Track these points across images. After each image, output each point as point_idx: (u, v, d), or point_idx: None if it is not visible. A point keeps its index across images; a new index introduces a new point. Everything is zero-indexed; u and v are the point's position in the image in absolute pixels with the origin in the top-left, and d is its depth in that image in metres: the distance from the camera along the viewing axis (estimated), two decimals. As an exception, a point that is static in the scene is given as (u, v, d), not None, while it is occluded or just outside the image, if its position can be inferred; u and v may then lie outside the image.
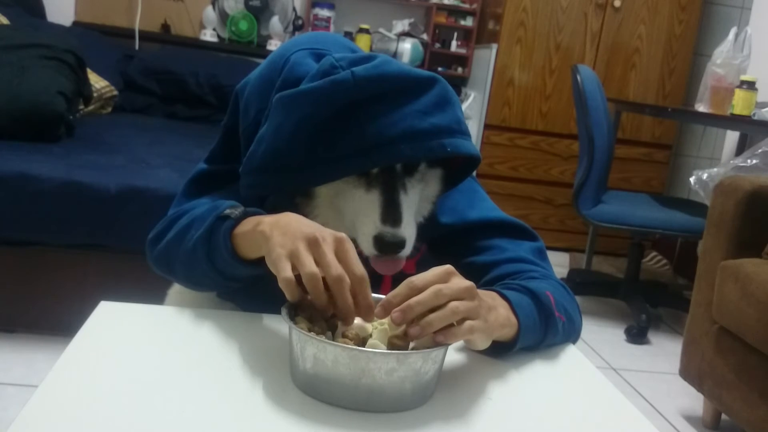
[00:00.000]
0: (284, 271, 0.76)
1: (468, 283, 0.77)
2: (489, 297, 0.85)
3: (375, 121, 0.86)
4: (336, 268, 0.75)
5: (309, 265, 0.75)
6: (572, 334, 0.98)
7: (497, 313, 0.84)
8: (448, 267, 0.78)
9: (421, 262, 1.01)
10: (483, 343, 0.82)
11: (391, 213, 0.87)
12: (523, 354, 0.90)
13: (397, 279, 0.97)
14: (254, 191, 0.96)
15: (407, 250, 0.89)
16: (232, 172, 1.02)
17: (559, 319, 0.93)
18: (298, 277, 0.77)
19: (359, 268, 0.77)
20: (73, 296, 2.09)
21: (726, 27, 3.45)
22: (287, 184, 0.92)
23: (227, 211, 0.90)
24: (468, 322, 0.76)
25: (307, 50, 1.02)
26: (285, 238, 0.79)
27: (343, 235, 0.79)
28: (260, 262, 0.85)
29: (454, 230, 1.04)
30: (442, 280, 0.76)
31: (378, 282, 0.98)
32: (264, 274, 0.83)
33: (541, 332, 0.91)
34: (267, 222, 0.84)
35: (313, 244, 0.77)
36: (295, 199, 0.96)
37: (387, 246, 0.87)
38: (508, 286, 0.92)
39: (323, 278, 0.76)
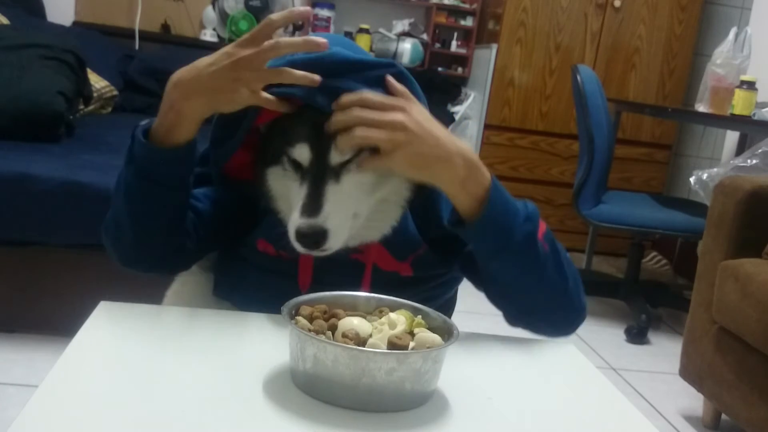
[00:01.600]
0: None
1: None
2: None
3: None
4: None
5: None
6: (572, 305, 0.94)
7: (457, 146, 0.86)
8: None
9: (418, 262, 1.00)
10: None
11: (310, 204, 0.85)
12: (522, 354, 0.90)
13: (379, 278, 0.97)
14: (217, 151, 1.00)
15: (333, 242, 0.86)
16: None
17: (542, 244, 0.90)
18: None
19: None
20: (73, 296, 2.08)
21: (726, 27, 3.45)
22: (226, 151, 0.97)
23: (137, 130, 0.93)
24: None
25: None
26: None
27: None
28: (187, 141, 0.91)
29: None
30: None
31: (359, 278, 0.98)
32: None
33: (511, 228, 0.87)
34: (167, 90, 0.89)
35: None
36: (261, 201, 0.97)
37: (303, 238, 0.84)
38: None
39: None
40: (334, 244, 0.86)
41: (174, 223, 0.97)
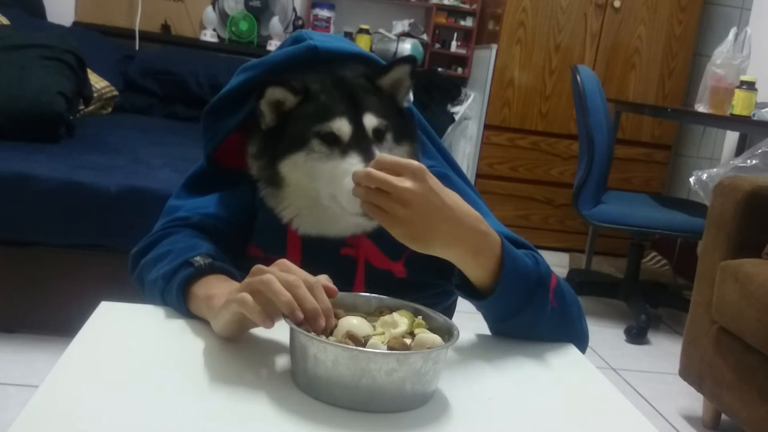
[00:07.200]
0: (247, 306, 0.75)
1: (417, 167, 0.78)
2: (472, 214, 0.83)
3: None
4: (288, 277, 0.75)
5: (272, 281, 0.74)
6: (575, 339, 0.96)
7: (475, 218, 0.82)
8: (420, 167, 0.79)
9: (411, 261, 1.00)
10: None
11: (364, 153, 0.88)
12: (522, 354, 0.90)
13: (372, 276, 0.97)
14: (207, 136, 1.03)
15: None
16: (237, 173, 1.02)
17: (551, 302, 0.90)
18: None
19: (310, 277, 0.77)
20: (73, 296, 2.09)
21: (726, 27, 3.45)
22: (229, 122, 1.00)
23: (195, 258, 0.90)
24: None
25: None
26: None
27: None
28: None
29: None
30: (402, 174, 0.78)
31: (350, 280, 0.98)
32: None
33: (525, 295, 0.87)
34: (218, 296, 0.83)
35: (259, 283, 0.75)
36: (263, 191, 0.97)
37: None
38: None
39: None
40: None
41: None
